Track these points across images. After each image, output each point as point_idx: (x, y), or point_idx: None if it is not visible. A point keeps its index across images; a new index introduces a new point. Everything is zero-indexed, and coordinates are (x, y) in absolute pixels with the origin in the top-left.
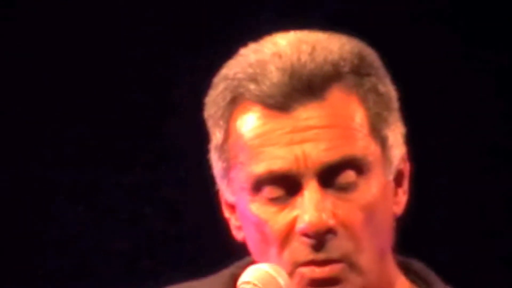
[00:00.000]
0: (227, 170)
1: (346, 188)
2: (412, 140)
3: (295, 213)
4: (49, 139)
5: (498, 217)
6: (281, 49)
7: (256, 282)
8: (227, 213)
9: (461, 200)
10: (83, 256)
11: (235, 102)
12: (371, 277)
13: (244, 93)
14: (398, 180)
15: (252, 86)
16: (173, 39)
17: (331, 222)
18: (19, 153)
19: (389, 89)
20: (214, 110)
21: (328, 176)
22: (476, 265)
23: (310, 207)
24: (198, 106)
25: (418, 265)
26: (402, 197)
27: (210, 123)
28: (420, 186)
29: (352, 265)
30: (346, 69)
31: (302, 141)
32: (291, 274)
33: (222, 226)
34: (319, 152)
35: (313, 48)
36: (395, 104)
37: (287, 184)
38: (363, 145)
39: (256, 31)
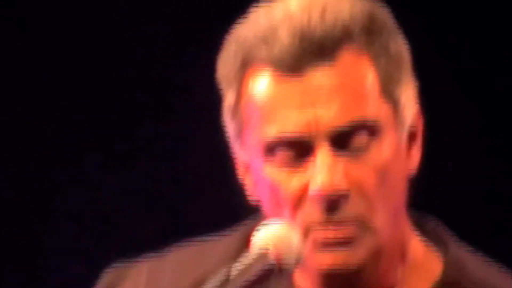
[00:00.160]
0: (240, 132)
1: (358, 151)
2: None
3: (307, 176)
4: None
5: None
6: (292, 11)
7: (268, 241)
8: (241, 173)
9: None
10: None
11: (246, 64)
12: (384, 238)
13: (255, 57)
14: (412, 138)
15: (263, 50)
16: None
17: (344, 185)
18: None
19: (401, 48)
20: (226, 72)
21: (340, 139)
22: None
23: (322, 170)
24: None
25: (433, 223)
26: (416, 154)
27: (222, 84)
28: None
29: (366, 226)
30: (357, 30)
31: (314, 104)
32: (304, 235)
33: None
34: (330, 115)
35: (324, 10)
36: (407, 62)
37: (299, 148)
38: (375, 107)
39: None
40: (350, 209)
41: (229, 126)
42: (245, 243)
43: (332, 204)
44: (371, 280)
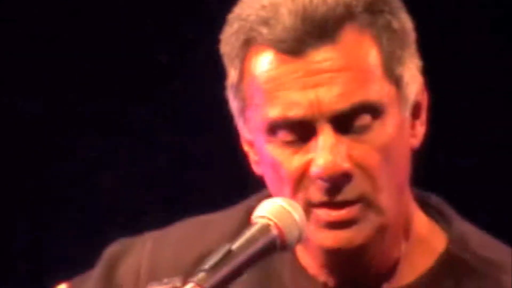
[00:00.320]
0: (243, 109)
1: (361, 132)
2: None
3: (309, 156)
4: None
5: None
6: None
7: (270, 216)
8: (246, 147)
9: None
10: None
11: (249, 44)
12: (389, 216)
13: (257, 37)
14: (416, 113)
15: (264, 30)
16: None
17: (346, 165)
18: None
19: (403, 24)
20: (228, 49)
21: (343, 121)
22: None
23: (324, 151)
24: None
25: (436, 199)
26: (420, 129)
27: (225, 61)
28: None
29: (370, 204)
30: (359, 8)
31: (316, 85)
32: (306, 213)
33: None
34: (332, 97)
35: None
36: (410, 38)
37: (302, 129)
38: (377, 88)
39: None
40: (354, 189)
41: (232, 102)
42: (248, 219)
43: (335, 185)
44: (375, 256)
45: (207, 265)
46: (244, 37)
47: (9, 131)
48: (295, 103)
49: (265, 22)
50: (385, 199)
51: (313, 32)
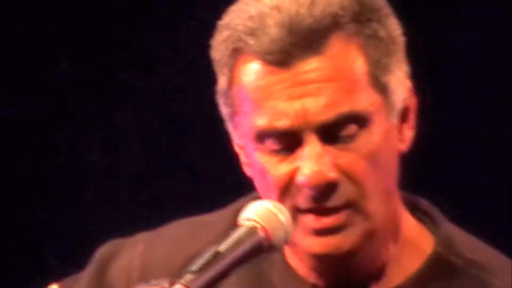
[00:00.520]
0: (232, 115)
1: (347, 141)
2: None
3: (296, 164)
4: None
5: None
6: (280, 2)
7: (257, 219)
8: (237, 149)
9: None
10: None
11: (237, 53)
12: (377, 221)
13: (244, 47)
14: (403, 117)
15: (251, 41)
16: None
17: (332, 174)
18: None
19: (390, 32)
20: (218, 57)
21: (329, 131)
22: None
23: (310, 160)
24: None
25: (424, 203)
26: (408, 133)
27: (216, 67)
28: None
29: (357, 210)
30: (345, 18)
31: (303, 96)
32: (293, 219)
33: None
34: (318, 108)
35: (312, 0)
36: (397, 45)
37: (289, 138)
38: (363, 97)
39: None
40: (340, 196)
41: (223, 108)
42: (236, 222)
43: (321, 193)
44: (363, 260)
45: (195, 266)
46: (232, 46)
47: None
48: (282, 113)
49: (252, 33)
50: (372, 204)
51: (299, 44)
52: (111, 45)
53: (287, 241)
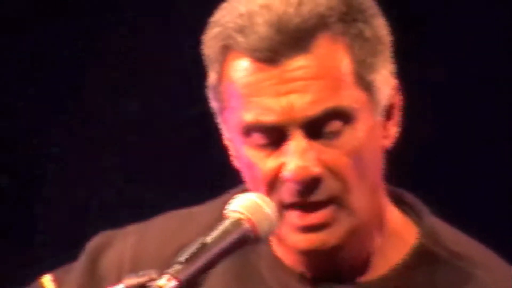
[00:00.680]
0: (221, 110)
1: (332, 137)
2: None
3: (282, 159)
4: None
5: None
6: (270, 1)
7: (243, 211)
8: (226, 142)
9: None
10: None
11: (226, 50)
12: (361, 216)
13: (233, 45)
14: (388, 114)
15: (240, 39)
16: None
17: (316, 169)
18: None
19: (377, 32)
20: (208, 52)
21: (314, 127)
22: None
23: (294, 156)
24: None
25: (408, 196)
26: (392, 130)
27: (206, 62)
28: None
29: (341, 205)
30: (332, 18)
31: (289, 93)
32: (279, 213)
33: None
34: (304, 104)
35: (300, 0)
36: (383, 45)
37: (275, 133)
38: (348, 95)
39: None
40: (324, 191)
41: (212, 102)
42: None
43: (306, 187)
44: (349, 253)
45: (182, 257)
46: (222, 43)
47: None
48: (268, 109)
49: (241, 30)
50: (356, 199)
51: (287, 42)
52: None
53: (272, 232)
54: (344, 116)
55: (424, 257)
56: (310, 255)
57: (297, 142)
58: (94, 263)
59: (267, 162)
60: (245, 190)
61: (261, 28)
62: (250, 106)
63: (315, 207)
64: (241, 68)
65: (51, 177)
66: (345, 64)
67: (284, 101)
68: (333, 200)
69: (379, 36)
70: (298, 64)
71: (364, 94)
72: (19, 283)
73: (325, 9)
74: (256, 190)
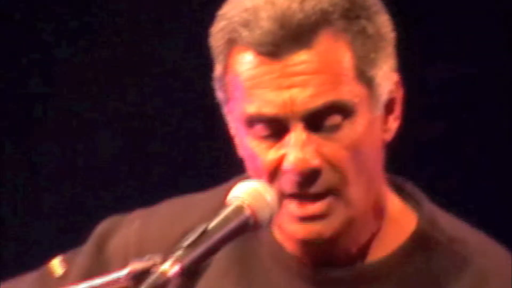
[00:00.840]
0: (226, 100)
1: (331, 130)
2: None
3: (283, 151)
4: None
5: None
6: None
7: (244, 198)
8: (232, 130)
9: None
10: None
11: (231, 43)
12: (358, 207)
13: (238, 38)
14: (389, 109)
15: (245, 33)
16: None
17: (315, 162)
18: None
19: (379, 28)
20: (215, 45)
21: (314, 120)
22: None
23: (294, 148)
24: None
25: (408, 184)
26: (393, 124)
27: (213, 54)
28: None
29: (339, 197)
30: (335, 15)
31: (290, 86)
32: (279, 203)
33: None
34: (305, 98)
35: None
36: (385, 41)
37: (276, 126)
38: (348, 90)
39: None
40: (323, 182)
41: (218, 92)
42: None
43: (305, 179)
44: (347, 241)
45: (185, 243)
46: (228, 36)
47: None
48: (270, 101)
49: (246, 24)
50: (353, 191)
51: (289, 37)
52: None
53: (272, 219)
54: (344, 110)
55: (423, 242)
56: (308, 245)
57: (297, 134)
58: (101, 247)
59: (268, 153)
60: (248, 178)
61: (265, 23)
62: (253, 99)
63: (313, 198)
64: (245, 61)
65: None
66: (346, 59)
67: (285, 94)
68: (331, 192)
69: (382, 32)
70: (300, 59)
71: (365, 89)
72: None
73: (328, 5)
74: (257, 179)
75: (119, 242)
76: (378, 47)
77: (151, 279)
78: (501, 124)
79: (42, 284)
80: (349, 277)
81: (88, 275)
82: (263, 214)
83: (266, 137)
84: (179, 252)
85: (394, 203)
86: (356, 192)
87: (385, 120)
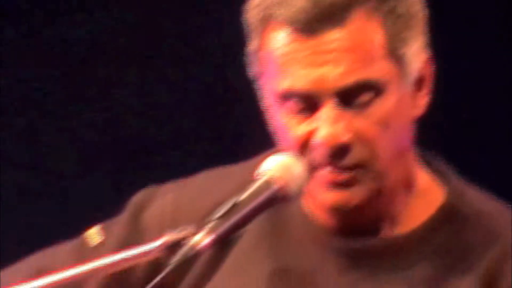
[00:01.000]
0: (259, 76)
1: (362, 107)
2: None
3: (314, 126)
4: None
5: None
6: None
7: (274, 171)
8: (265, 104)
9: None
10: None
11: (266, 20)
12: (387, 180)
13: (273, 15)
14: (419, 85)
15: (279, 10)
16: None
17: (346, 137)
18: None
19: (409, 8)
20: (250, 21)
21: (346, 97)
22: None
23: (325, 123)
24: None
25: (436, 159)
26: (422, 100)
27: (248, 29)
28: None
29: (368, 170)
30: None
31: (323, 64)
32: (309, 173)
33: None
34: (337, 75)
35: None
36: (416, 20)
37: (308, 101)
38: (379, 67)
39: None
40: (353, 157)
41: (253, 67)
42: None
43: (335, 154)
44: (375, 212)
45: (217, 215)
46: (263, 13)
47: None
48: (303, 77)
49: (281, 2)
50: (382, 165)
51: (323, 15)
52: None
53: (301, 192)
54: (374, 88)
55: (451, 215)
56: (337, 212)
57: (328, 110)
58: (136, 217)
59: (300, 128)
60: (278, 153)
61: (299, 2)
62: (286, 74)
63: (343, 170)
64: (279, 38)
65: None
66: (377, 38)
67: (318, 71)
68: (360, 166)
69: (412, 11)
70: (333, 36)
71: (395, 67)
72: None
73: None
74: (288, 152)
75: (154, 212)
76: (408, 26)
77: (183, 250)
78: (501, 124)
79: (79, 253)
80: (378, 248)
81: (124, 245)
82: (292, 187)
83: (298, 112)
84: (211, 224)
85: (423, 177)
86: (385, 166)
87: (415, 97)
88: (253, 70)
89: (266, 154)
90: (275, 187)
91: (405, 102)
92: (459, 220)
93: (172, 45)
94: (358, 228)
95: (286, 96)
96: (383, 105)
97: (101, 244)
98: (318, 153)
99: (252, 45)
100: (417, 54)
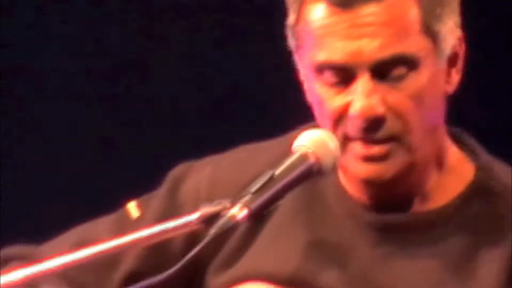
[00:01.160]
0: (297, 48)
1: (397, 80)
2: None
3: (349, 98)
4: None
5: None
6: None
7: (308, 145)
8: (302, 77)
9: None
10: None
11: None
12: (420, 155)
13: None
14: (452, 62)
15: None
16: None
17: (380, 109)
18: None
19: None
20: None
21: (381, 70)
22: None
23: (361, 95)
24: None
25: (466, 135)
26: (455, 77)
27: (287, 3)
28: None
29: (401, 143)
30: None
31: (360, 37)
32: (343, 145)
33: None
34: (373, 48)
35: None
36: None
37: (344, 73)
38: (414, 42)
39: None
40: (386, 130)
41: (290, 40)
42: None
43: (369, 125)
44: (407, 186)
45: (253, 188)
46: None
47: None
48: (339, 50)
49: None
50: (415, 139)
51: None
52: None
53: (335, 166)
54: (409, 62)
55: (480, 191)
56: (370, 185)
57: (364, 82)
58: (174, 191)
59: (335, 99)
60: (314, 127)
61: None
62: (323, 47)
63: (377, 142)
64: (318, 11)
65: None
66: (413, 14)
67: (355, 44)
68: (393, 139)
69: None
70: (370, 10)
71: (430, 43)
72: None
73: None
74: (324, 124)
75: (191, 186)
76: (443, 3)
77: (220, 222)
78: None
79: (119, 225)
80: (410, 222)
81: (162, 218)
82: (327, 161)
83: (334, 84)
84: (247, 197)
85: (453, 153)
86: (418, 140)
87: (448, 73)
88: (290, 43)
89: (301, 129)
90: (310, 161)
91: (438, 78)
92: (489, 195)
93: None
94: (390, 202)
95: (322, 68)
96: (417, 80)
97: (140, 217)
98: (353, 126)
99: (290, 19)
100: (451, 32)
